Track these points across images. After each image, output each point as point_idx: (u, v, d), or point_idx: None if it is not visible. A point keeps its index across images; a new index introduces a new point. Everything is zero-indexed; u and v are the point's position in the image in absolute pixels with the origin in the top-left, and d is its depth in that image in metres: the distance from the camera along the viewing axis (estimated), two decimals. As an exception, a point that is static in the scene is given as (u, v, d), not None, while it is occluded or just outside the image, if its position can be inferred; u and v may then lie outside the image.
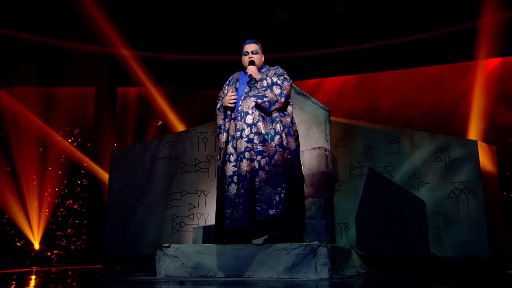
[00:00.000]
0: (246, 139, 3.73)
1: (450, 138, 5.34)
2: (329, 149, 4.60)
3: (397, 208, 5.38)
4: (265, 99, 3.82)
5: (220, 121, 4.04)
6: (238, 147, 3.75)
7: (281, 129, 3.80)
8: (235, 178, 3.73)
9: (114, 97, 8.56)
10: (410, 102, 7.92)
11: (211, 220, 5.69)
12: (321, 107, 4.77)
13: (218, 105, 4.09)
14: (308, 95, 4.88)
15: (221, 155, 3.91)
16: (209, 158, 5.92)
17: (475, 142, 5.10)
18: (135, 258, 5.68)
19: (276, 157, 3.70)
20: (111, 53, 8.07)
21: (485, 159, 5.09)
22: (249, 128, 3.75)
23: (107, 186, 6.01)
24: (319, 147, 4.43)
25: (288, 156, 3.78)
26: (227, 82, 4.17)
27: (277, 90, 3.85)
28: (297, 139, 3.94)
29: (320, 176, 4.28)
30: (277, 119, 3.83)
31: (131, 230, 5.79)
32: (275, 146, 3.73)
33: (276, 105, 3.84)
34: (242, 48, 4.11)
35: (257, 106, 3.81)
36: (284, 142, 3.77)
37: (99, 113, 8.45)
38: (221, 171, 3.90)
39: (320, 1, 7.81)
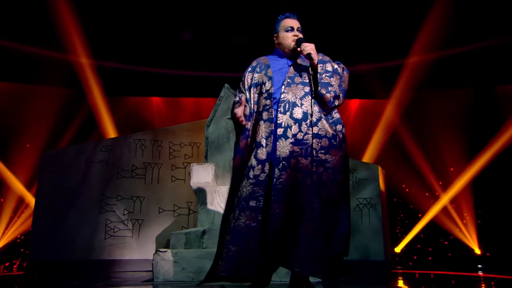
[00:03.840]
0: (292, 139, 2.43)
1: (358, 162, 5.73)
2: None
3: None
4: (330, 88, 2.53)
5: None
6: (278, 149, 2.42)
7: (345, 134, 2.57)
8: (277, 196, 2.37)
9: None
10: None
11: (145, 226, 5.27)
12: None
13: (237, 98, 2.69)
14: None
15: (254, 163, 2.48)
16: (146, 164, 5.37)
17: (376, 166, 5.56)
18: (65, 263, 4.82)
19: (343, 172, 2.48)
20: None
21: (381, 180, 5.55)
22: (299, 125, 2.46)
23: (36, 187, 4.98)
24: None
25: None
26: (251, 69, 2.76)
27: (337, 81, 2.60)
28: None
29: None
30: (341, 120, 2.58)
31: (62, 235, 4.92)
32: (344, 158, 2.50)
33: (337, 102, 2.58)
34: (277, 23, 2.76)
35: (318, 98, 2.52)
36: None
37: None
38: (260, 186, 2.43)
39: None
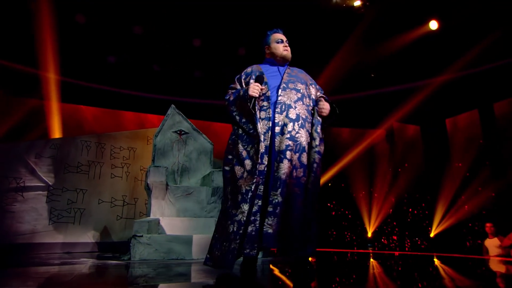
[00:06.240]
0: (288, 135, 2.39)
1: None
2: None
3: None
4: (329, 120, 2.65)
5: (246, 114, 2.50)
6: (276, 144, 2.38)
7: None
8: (275, 184, 2.31)
9: None
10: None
11: (86, 214, 5.31)
12: (208, 141, 5.30)
13: (232, 97, 2.58)
14: (200, 131, 5.32)
15: (250, 155, 2.39)
16: (90, 162, 5.40)
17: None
18: (7, 246, 4.56)
19: (318, 173, 2.44)
20: None
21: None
22: (292, 123, 2.43)
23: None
24: (223, 171, 4.96)
25: None
26: (245, 75, 2.70)
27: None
28: None
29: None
30: (322, 133, 2.58)
31: (6, 220, 4.66)
32: (320, 161, 2.47)
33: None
34: (267, 37, 2.80)
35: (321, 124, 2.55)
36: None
37: None
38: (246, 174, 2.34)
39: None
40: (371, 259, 4.68)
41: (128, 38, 7.06)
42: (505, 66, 7.30)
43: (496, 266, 4.21)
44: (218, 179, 4.81)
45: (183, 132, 5.25)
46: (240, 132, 2.50)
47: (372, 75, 8.20)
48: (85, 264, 3.35)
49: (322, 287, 2.27)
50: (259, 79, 2.53)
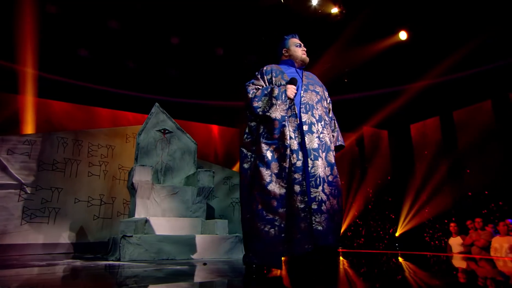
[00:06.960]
0: (316, 134, 2.38)
1: (232, 171, 6.60)
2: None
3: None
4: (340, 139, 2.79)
5: (277, 113, 2.36)
6: (307, 142, 2.33)
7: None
8: (313, 182, 2.27)
9: None
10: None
11: (61, 214, 5.00)
12: (192, 141, 5.16)
13: (260, 93, 2.47)
14: (184, 131, 5.17)
15: (285, 154, 2.28)
16: (66, 160, 5.06)
17: (244, 175, 6.57)
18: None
19: (335, 168, 2.44)
20: None
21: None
22: (317, 123, 2.43)
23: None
24: (209, 170, 4.82)
25: None
26: (265, 72, 2.64)
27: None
28: None
29: (209, 190, 4.73)
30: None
31: (-23, 221, 4.21)
32: (334, 156, 2.53)
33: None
34: (285, 40, 2.82)
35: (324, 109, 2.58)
36: None
37: None
38: (288, 175, 2.27)
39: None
40: (341, 257, 4.78)
41: (103, 32, 6.73)
42: (465, 77, 7.75)
43: (458, 262, 4.45)
44: (204, 179, 4.70)
45: (167, 131, 5.07)
46: (261, 129, 2.40)
47: (346, 80, 8.39)
48: (75, 265, 3.12)
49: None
50: (294, 82, 2.51)
